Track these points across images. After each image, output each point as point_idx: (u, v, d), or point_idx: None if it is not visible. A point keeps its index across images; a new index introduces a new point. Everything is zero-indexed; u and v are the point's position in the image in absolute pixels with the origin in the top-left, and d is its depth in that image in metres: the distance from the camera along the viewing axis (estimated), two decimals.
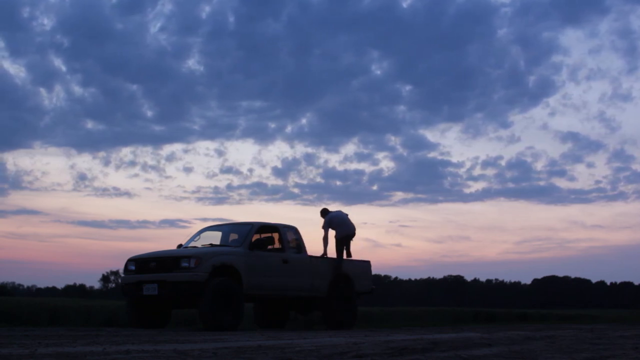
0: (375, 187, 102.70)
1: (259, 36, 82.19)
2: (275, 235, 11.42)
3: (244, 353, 5.52)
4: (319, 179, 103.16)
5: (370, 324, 18.20)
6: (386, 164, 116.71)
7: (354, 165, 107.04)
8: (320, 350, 5.98)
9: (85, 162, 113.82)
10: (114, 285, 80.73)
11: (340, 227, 12.43)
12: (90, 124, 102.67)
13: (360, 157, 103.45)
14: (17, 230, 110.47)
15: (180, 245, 11.29)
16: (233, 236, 11.21)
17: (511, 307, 52.39)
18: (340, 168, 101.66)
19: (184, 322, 14.66)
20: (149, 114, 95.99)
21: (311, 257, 11.64)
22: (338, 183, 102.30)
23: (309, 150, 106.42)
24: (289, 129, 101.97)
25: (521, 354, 5.89)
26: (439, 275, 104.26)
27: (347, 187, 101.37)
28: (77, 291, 75.81)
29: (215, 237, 11.42)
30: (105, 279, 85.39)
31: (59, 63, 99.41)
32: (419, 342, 7.47)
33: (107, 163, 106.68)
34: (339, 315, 11.76)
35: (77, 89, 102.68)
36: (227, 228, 11.61)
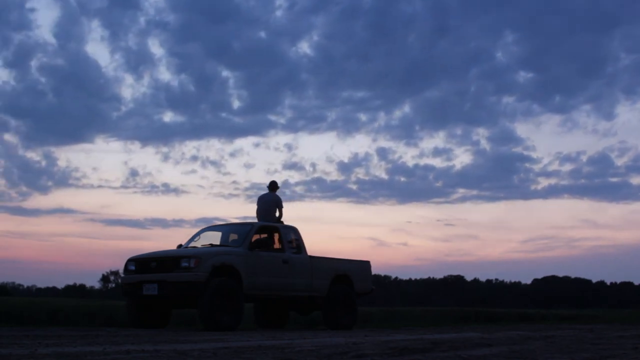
0: (439, 184, 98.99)
1: (393, 16, 77.02)
2: (276, 236, 11.41)
3: (244, 353, 5.53)
4: (383, 175, 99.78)
5: (370, 324, 18.20)
6: (462, 159, 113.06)
7: (426, 161, 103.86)
8: (320, 350, 5.98)
9: (143, 157, 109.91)
10: (114, 285, 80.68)
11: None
12: (168, 116, 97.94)
13: (437, 152, 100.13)
14: (16, 230, 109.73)
15: (180, 245, 11.29)
16: (233, 236, 11.21)
17: (511, 307, 52.41)
18: (410, 163, 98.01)
19: (184, 322, 14.67)
20: (236, 104, 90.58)
21: (311, 257, 11.63)
22: (402, 179, 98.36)
23: (389, 144, 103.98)
24: (378, 121, 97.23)
25: (521, 354, 5.89)
26: (442, 274, 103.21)
27: (410, 183, 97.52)
28: (77, 291, 75.82)
29: (215, 237, 11.42)
30: (105, 279, 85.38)
31: (157, 46, 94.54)
32: (419, 342, 7.47)
33: (166, 158, 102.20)
34: (339, 316, 11.75)
35: (167, 76, 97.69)
36: (227, 228, 11.61)
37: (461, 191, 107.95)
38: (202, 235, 11.55)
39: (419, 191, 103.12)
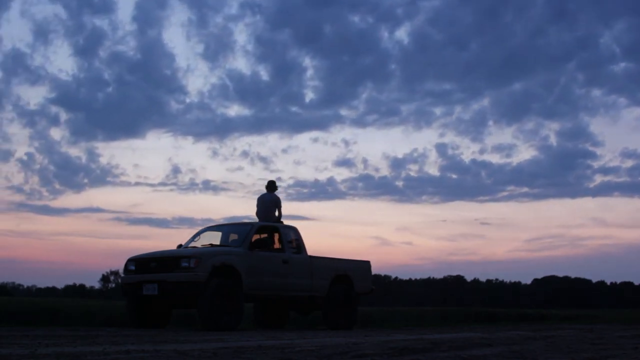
0: (489, 181, 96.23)
1: (507, 0, 71.29)
2: (276, 236, 11.40)
3: (244, 353, 5.52)
4: (435, 172, 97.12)
5: (370, 324, 18.19)
6: (524, 155, 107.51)
7: (485, 157, 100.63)
8: (320, 350, 5.98)
9: (192, 153, 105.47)
10: (114, 285, 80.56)
11: None
12: (234, 109, 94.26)
13: (499, 148, 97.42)
14: (16, 229, 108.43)
15: (180, 245, 11.29)
16: (233, 236, 11.20)
17: (511, 307, 52.41)
18: (468, 160, 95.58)
19: (184, 322, 14.65)
20: (309, 97, 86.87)
21: (311, 257, 11.63)
22: (453, 176, 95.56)
23: (453, 139, 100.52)
24: (452, 115, 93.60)
25: (521, 354, 5.89)
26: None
27: (461, 181, 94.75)
28: (77, 291, 75.79)
29: (215, 237, 11.41)
30: (105, 279, 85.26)
31: (242, 32, 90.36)
32: (419, 342, 7.47)
33: (215, 154, 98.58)
34: (339, 316, 11.75)
35: (243, 65, 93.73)
36: (227, 228, 11.60)
37: (510, 189, 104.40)
38: (202, 235, 11.55)
39: (466, 189, 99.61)
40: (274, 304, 11.77)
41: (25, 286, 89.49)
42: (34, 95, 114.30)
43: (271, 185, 12.13)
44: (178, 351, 5.57)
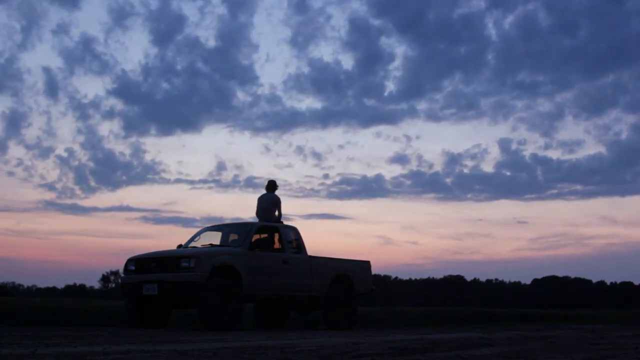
0: (542, 178, 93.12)
1: None
2: (276, 236, 11.40)
3: (244, 353, 5.52)
4: (488, 169, 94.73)
5: (370, 324, 18.21)
6: (587, 151, 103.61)
7: (548, 152, 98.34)
8: (320, 350, 5.98)
9: (244, 148, 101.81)
10: (114, 285, 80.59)
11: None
12: (306, 102, 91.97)
13: (566, 144, 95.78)
14: (15, 228, 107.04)
15: (180, 245, 11.29)
16: (233, 236, 11.20)
17: (511, 307, 52.42)
18: (529, 155, 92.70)
19: (184, 322, 14.67)
20: (390, 89, 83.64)
21: (311, 257, 11.63)
22: (507, 174, 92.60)
23: (522, 134, 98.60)
24: (533, 109, 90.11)
25: (521, 354, 5.89)
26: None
27: (513, 178, 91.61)
28: (77, 291, 75.87)
29: (215, 237, 11.42)
30: (105, 279, 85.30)
31: (339, 18, 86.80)
32: (419, 342, 7.47)
33: (267, 150, 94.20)
34: (339, 316, 11.75)
35: (328, 53, 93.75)
36: (227, 228, 11.60)
37: (560, 186, 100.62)
38: (202, 235, 11.55)
39: (516, 186, 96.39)
40: (274, 304, 11.76)
41: (25, 286, 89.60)
42: (93, 87, 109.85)
43: (271, 185, 12.13)
44: (178, 351, 5.57)
